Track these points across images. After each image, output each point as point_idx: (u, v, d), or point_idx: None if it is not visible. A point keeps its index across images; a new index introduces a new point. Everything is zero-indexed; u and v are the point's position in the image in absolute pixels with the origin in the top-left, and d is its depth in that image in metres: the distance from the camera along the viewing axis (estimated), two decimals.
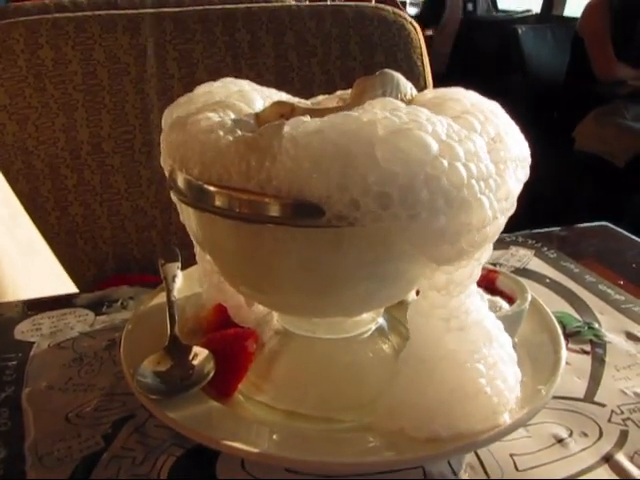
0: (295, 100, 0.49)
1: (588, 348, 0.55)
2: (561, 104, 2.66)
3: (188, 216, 0.45)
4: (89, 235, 1.14)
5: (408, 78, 1.39)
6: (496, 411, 0.42)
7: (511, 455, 0.44)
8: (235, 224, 0.38)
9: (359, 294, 0.41)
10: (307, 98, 1.21)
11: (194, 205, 0.40)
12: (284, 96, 0.51)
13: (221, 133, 0.38)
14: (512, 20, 3.43)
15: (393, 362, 0.46)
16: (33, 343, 0.56)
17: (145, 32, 1.11)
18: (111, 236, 1.15)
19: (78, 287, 0.95)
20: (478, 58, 3.15)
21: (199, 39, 1.14)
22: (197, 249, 0.52)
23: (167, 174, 0.49)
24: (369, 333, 0.49)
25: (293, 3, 1.22)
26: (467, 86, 0.44)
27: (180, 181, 0.41)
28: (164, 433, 0.45)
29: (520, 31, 2.73)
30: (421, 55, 1.28)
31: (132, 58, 1.11)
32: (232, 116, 0.40)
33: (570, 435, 0.46)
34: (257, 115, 0.43)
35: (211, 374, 0.44)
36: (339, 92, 0.51)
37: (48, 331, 0.58)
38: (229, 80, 0.53)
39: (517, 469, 0.43)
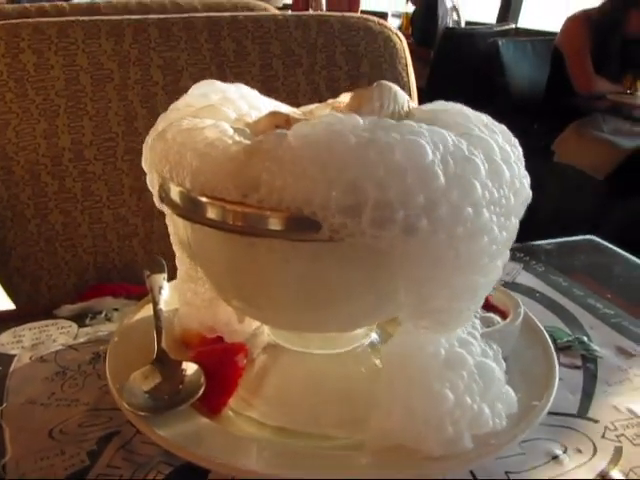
0: (290, 110, 0.48)
1: (579, 363, 0.55)
2: (541, 117, 2.69)
3: (177, 228, 0.44)
4: (69, 243, 1.11)
5: None
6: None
7: (506, 472, 0.43)
8: (229, 237, 0.37)
9: (355, 310, 0.41)
10: (293, 107, 1.20)
11: (187, 217, 0.39)
12: (281, 106, 0.49)
13: (217, 143, 0.37)
14: (491, 33, 3.46)
15: None
16: (14, 356, 0.55)
17: (129, 38, 1.10)
18: (92, 245, 1.13)
19: (58, 296, 0.93)
20: (459, 71, 3.17)
21: (184, 47, 1.13)
22: (180, 261, 0.50)
23: (150, 182, 0.48)
24: (361, 348, 0.48)
25: (279, 12, 1.22)
26: (449, 99, 0.44)
27: (173, 192, 0.40)
28: (152, 450, 0.44)
29: (500, 44, 2.76)
30: (406, 66, 1.28)
31: (115, 64, 1.09)
32: (225, 125, 0.39)
33: (564, 452, 0.45)
34: (249, 125, 0.43)
35: (201, 390, 0.43)
36: (330, 100, 0.51)
37: (30, 343, 0.56)
38: (209, 84, 0.52)
39: None
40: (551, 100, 2.62)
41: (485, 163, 0.35)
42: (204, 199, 0.37)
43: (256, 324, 0.50)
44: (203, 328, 0.49)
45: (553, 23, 3.17)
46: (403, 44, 1.29)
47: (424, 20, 3.77)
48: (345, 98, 0.50)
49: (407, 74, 1.28)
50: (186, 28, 1.12)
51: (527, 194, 0.39)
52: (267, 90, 1.25)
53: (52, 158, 1.06)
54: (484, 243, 0.36)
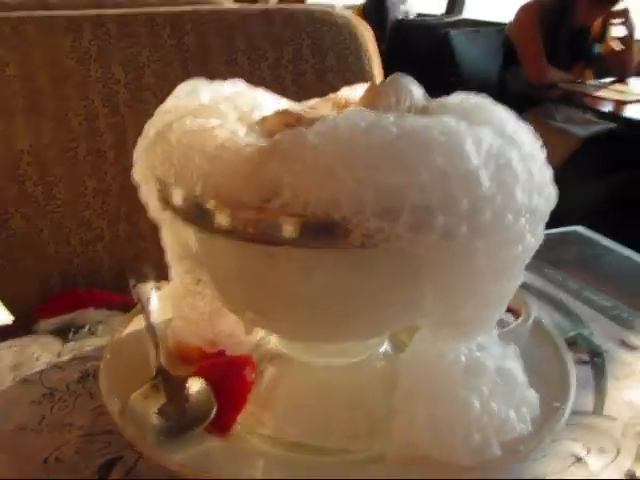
0: (299, 107, 0.45)
1: (586, 358, 0.54)
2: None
3: (180, 238, 0.41)
4: (31, 250, 1.06)
5: (359, 81, 1.37)
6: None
7: (534, 477, 0.42)
8: (246, 246, 0.34)
9: (378, 319, 0.38)
10: None
11: (199, 226, 0.36)
12: (282, 101, 0.46)
13: (229, 144, 0.34)
14: (441, 24, 3.48)
15: None
16: None
17: (88, 35, 1.05)
18: (55, 251, 1.08)
19: (21, 305, 0.89)
20: (411, 62, 3.18)
21: (145, 43, 1.08)
22: (177, 275, 0.47)
23: (143, 194, 0.45)
24: (374, 357, 0.46)
25: (243, 6, 1.19)
26: None
27: (179, 199, 0.37)
28: (159, 475, 0.41)
29: (452, 35, 2.77)
30: (371, 58, 1.26)
31: (74, 62, 1.04)
32: (235, 125, 0.36)
33: (588, 452, 0.44)
34: (254, 125, 0.40)
35: (213, 410, 0.40)
36: (331, 95, 0.48)
37: (11, 363, 0.53)
38: (195, 83, 0.48)
39: None
40: (503, 90, 2.64)
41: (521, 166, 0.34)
42: (220, 207, 0.34)
43: (261, 334, 0.47)
44: (203, 342, 0.47)
45: (498, 13, 3.21)
46: (368, 36, 1.27)
47: (374, 12, 3.76)
48: (345, 93, 0.48)
49: (372, 67, 1.26)
50: (147, 23, 1.08)
51: (554, 198, 0.37)
52: None
53: (10, 161, 1.01)
54: (519, 251, 0.35)
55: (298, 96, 1.24)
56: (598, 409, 0.48)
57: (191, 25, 1.11)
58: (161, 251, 1.18)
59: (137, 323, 0.52)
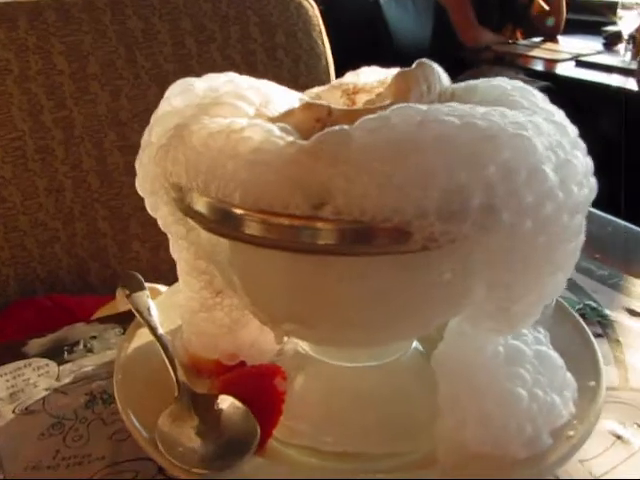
0: (304, 97, 0.42)
1: (599, 330, 0.54)
2: None
3: (205, 251, 0.38)
4: None
5: (310, 58, 1.33)
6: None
7: (580, 461, 0.41)
8: (293, 257, 0.32)
9: (428, 317, 0.37)
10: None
11: (234, 238, 0.33)
12: (288, 92, 0.43)
13: (266, 146, 0.31)
14: None
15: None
16: None
17: (24, 24, 0.99)
18: (10, 256, 1.02)
19: None
20: (342, 31, 3.14)
21: (87, 29, 1.02)
22: (192, 290, 0.44)
23: (151, 206, 0.42)
24: (406, 356, 0.44)
25: None
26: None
27: (209, 209, 0.34)
28: None
29: (382, 1, 2.75)
30: (320, 34, 1.23)
31: (12, 54, 0.98)
32: (268, 123, 0.33)
33: (624, 427, 0.44)
34: (274, 120, 0.37)
35: (257, 430, 0.38)
36: (336, 82, 0.45)
37: (6, 393, 0.48)
38: (184, 82, 0.44)
39: (593, 476, 0.41)
40: (437, 54, 2.64)
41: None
42: (263, 216, 0.31)
43: (284, 339, 0.44)
44: (222, 356, 0.44)
45: None
46: (315, 11, 1.24)
47: None
48: (351, 79, 0.45)
49: (322, 42, 1.24)
50: (87, 9, 1.02)
51: (595, 188, 0.36)
52: (182, 70, 1.18)
53: None
54: (576, 244, 0.34)
55: (250, 76, 1.20)
56: (623, 383, 0.48)
57: (133, 9, 1.05)
58: (121, 248, 1.13)
59: (141, 338, 0.49)
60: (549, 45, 2.52)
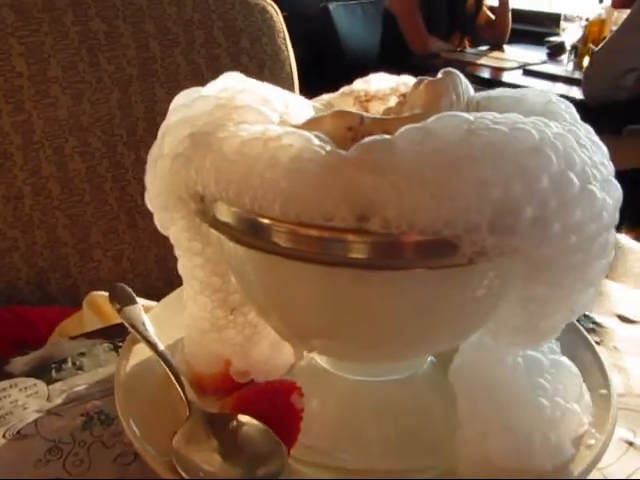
0: (317, 105, 0.41)
1: (596, 338, 0.54)
2: None
3: (208, 267, 0.36)
4: None
5: (274, 64, 1.32)
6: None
7: (599, 469, 0.41)
8: (333, 271, 0.31)
9: (459, 331, 0.36)
10: (174, 91, 1.11)
11: (267, 251, 0.32)
12: (293, 97, 0.42)
13: (306, 155, 0.30)
14: None
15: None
16: None
17: None
18: None
19: None
20: (290, 37, 3.14)
21: (47, 30, 0.98)
22: (205, 310, 0.42)
23: (161, 221, 0.40)
24: (423, 370, 0.43)
25: None
26: None
27: (242, 220, 0.32)
28: None
29: (331, 8, 2.76)
30: (284, 39, 1.22)
31: None
32: (304, 131, 0.32)
33: (634, 435, 0.44)
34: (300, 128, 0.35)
35: (283, 449, 0.36)
36: (346, 90, 0.44)
37: None
38: (192, 91, 0.42)
39: None
40: (386, 61, 2.67)
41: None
42: (305, 229, 0.30)
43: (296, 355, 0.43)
44: (234, 374, 0.42)
45: None
46: (279, 16, 1.23)
47: None
48: (362, 86, 0.44)
49: (287, 48, 1.23)
50: (47, 9, 0.98)
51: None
52: (145, 73, 1.15)
53: None
54: (607, 262, 0.33)
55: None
56: (629, 389, 0.48)
57: (96, 10, 1.02)
58: (82, 257, 1.09)
59: (137, 354, 0.47)
60: (496, 54, 2.57)
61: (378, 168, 0.29)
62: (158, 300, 0.55)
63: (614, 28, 2.13)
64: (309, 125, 0.35)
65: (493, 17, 2.66)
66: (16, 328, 0.93)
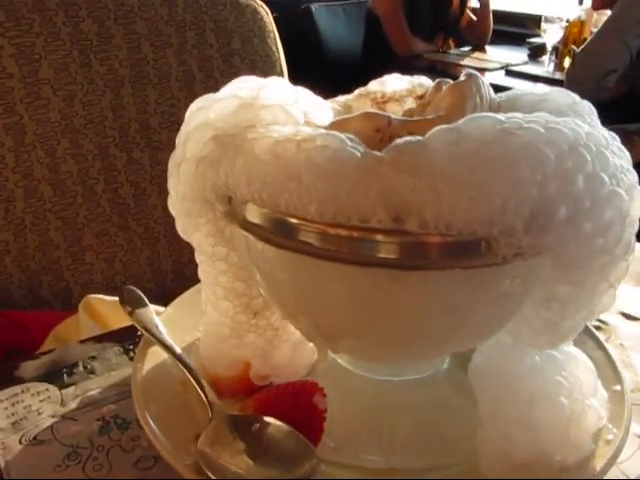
0: (335, 106, 0.41)
1: (602, 335, 0.55)
2: (361, 80, 2.74)
3: (231, 272, 0.36)
4: None
5: (265, 65, 1.32)
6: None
7: (617, 464, 0.42)
8: (367, 271, 0.31)
9: (485, 331, 0.36)
10: (166, 92, 1.09)
11: (300, 253, 0.32)
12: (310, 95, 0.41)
13: (341, 156, 0.30)
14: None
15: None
16: None
17: None
18: None
19: None
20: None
21: (38, 31, 0.97)
22: (225, 315, 0.42)
23: (183, 228, 0.39)
24: (442, 370, 0.44)
25: None
26: None
27: (274, 221, 0.32)
28: None
29: (314, 9, 2.75)
30: (275, 40, 1.22)
31: None
32: (338, 133, 0.32)
33: None
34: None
35: (312, 451, 0.36)
36: (363, 91, 0.44)
37: (7, 422, 0.45)
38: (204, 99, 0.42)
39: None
40: (369, 63, 2.67)
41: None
42: (345, 231, 0.30)
43: (320, 356, 0.43)
44: (255, 377, 0.42)
45: None
46: (270, 17, 1.23)
47: None
48: (377, 87, 0.45)
49: (277, 49, 1.23)
50: (38, 9, 0.97)
51: None
52: (137, 75, 1.14)
53: None
54: (628, 263, 0.34)
55: (206, 83, 1.17)
56: (637, 385, 0.49)
57: (87, 10, 1.01)
58: (74, 259, 1.08)
59: (153, 356, 0.46)
60: (478, 54, 2.60)
61: (414, 169, 0.29)
62: (151, 302, 0.54)
63: (594, 29, 2.16)
64: (336, 126, 0.35)
65: (475, 18, 2.68)
66: (9, 333, 0.91)
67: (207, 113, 0.38)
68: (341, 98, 0.44)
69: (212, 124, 0.37)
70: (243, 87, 0.39)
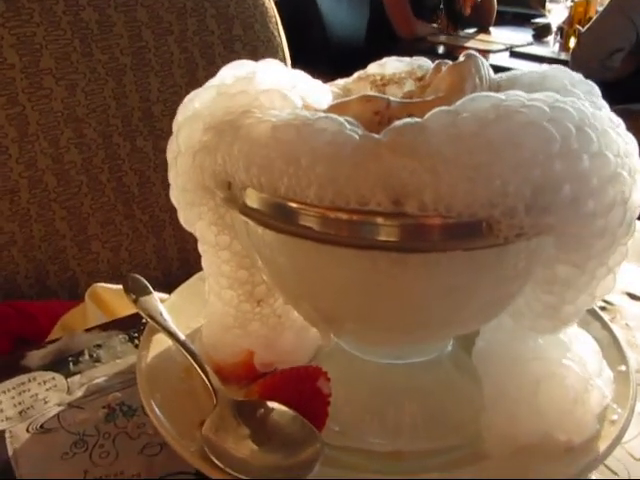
0: (334, 89, 0.41)
1: (607, 315, 0.55)
2: (364, 63, 2.73)
3: (234, 260, 0.36)
4: None
5: (267, 50, 1.31)
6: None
7: (621, 445, 0.42)
8: (369, 255, 0.31)
9: (487, 313, 0.36)
10: (168, 79, 1.09)
11: (301, 237, 0.32)
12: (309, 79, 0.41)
13: (340, 139, 0.30)
14: None
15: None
16: (2, 432, 0.43)
17: None
18: None
19: None
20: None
21: (38, 20, 0.97)
22: (229, 305, 0.42)
23: (186, 218, 0.39)
24: (446, 353, 0.44)
25: None
26: None
27: (274, 205, 0.32)
28: None
29: None
30: (276, 25, 1.21)
31: None
32: (336, 116, 0.32)
33: None
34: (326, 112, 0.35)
35: (318, 436, 0.36)
36: (362, 74, 0.44)
37: (14, 411, 0.45)
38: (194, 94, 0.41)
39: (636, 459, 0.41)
40: (372, 45, 2.66)
41: None
42: (342, 213, 0.30)
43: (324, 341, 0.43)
44: (259, 364, 0.42)
45: None
46: (271, 2, 1.22)
47: None
48: (377, 70, 0.44)
49: (279, 34, 1.22)
50: None
51: None
52: (138, 63, 1.14)
53: None
54: (627, 247, 0.34)
55: (208, 70, 1.17)
56: None
57: None
58: (80, 249, 1.08)
59: (158, 344, 0.47)
60: (482, 36, 2.58)
61: (413, 151, 0.29)
62: (157, 290, 0.54)
63: (600, 9, 2.14)
64: (335, 109, 0.35)
65: (479, 0, 2.66)
66: (17, 323, 0.92)
67: (200, 101, 0.38)
68: (340, 81, 0.44)
69: (207, 111, 0.37)
70: (237, 72, 0.39)
